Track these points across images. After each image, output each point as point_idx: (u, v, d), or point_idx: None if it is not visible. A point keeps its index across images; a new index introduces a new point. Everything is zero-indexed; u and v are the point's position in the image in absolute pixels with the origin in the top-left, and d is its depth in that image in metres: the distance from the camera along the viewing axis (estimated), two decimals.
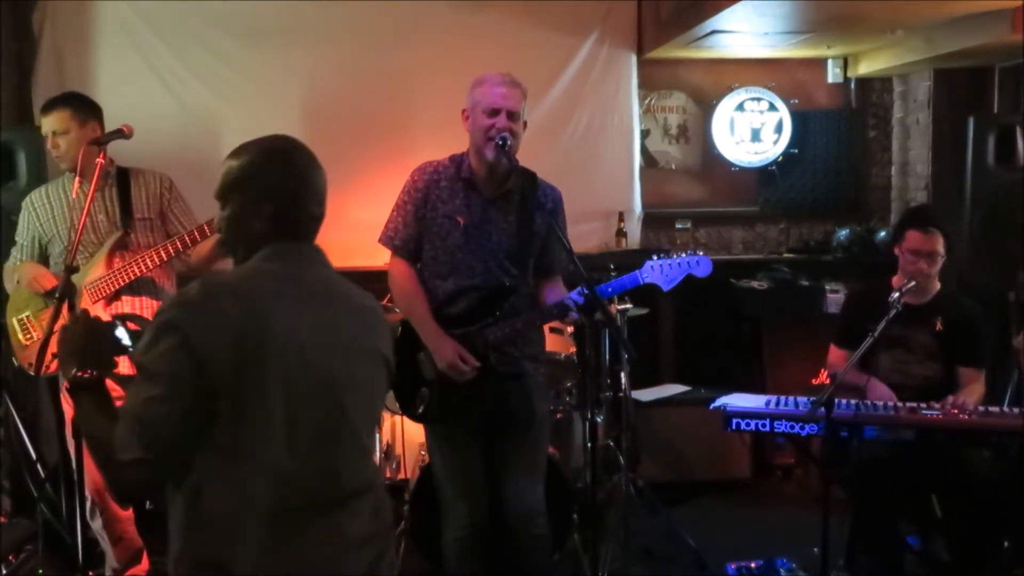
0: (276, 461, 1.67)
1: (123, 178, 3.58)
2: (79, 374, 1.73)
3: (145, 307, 3.51)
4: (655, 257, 3.05)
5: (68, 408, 3.49)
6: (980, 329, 3.54)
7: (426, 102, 4.84)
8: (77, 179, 3.35)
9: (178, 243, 3.42)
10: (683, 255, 3.05)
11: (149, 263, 3.43)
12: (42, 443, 4.18)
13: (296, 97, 4.86)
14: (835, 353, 3.63)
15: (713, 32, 4.41)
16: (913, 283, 3.33)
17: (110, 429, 1.63)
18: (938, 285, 3.54)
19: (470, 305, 2.97)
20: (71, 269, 3.09)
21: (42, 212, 3.51)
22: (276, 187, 1.83)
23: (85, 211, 3.16)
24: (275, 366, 1.68)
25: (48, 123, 3.46)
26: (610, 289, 3.03)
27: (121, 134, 3.32)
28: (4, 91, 4.32)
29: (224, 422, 1.64)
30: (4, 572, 3.55)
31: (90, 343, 1.80)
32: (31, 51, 4.55)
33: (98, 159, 3.21)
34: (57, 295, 3.14)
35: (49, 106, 3.50)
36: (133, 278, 3.43)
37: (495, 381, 2.97)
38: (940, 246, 3.45)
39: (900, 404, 3.29)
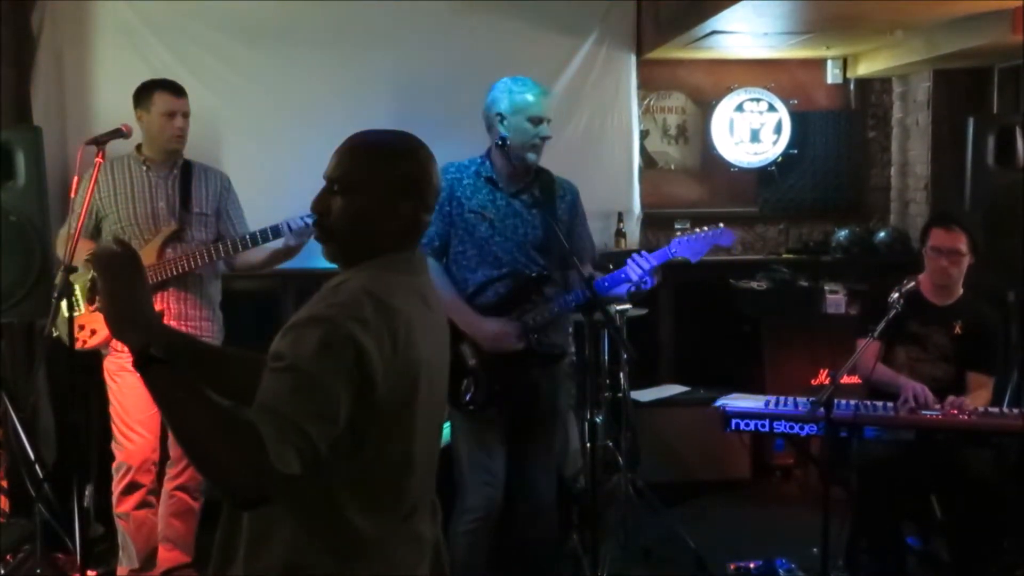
0: (407, 483, 1.66)
1: (186, 170, 3.65)
2: (143, 347, 1.52)
3: (188, 302, 3.58)
4: (681, 233, 3.22)
5: (114, 384, 3.55)
6: (996, 337, 3.56)
7: (426, 102, 4.83)
8: (76, 178, 3.34)
9: (230, 246, 3.52)
10: (706, 229, 3.20)
11: (200, 260, 3.50)
12: (41, 443, 4.17)
13: (295, 98, 4.85)
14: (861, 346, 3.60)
15: (713, 33, 4.41)
16: (912, 284, 3.33)
17: (207, 414, 1.46)
18: (961, 289, 3.55)
19: (499, 294, 3.10)
20: (69, 269, 3.10)
21: (103, 186, 3.56)
22: (421, 190, 1.73)
23: (84, 209, 3.21)
24: (421, 393, 1.64)
25: (181, 105, 3.61)
26: (650, 263, 3.11)
27: (120, 134, 3.34)
28: (3, 91, 4.30)
29: (369, 446, 1.58)
30: (2, 572, 3.54)
31: (151, 312, 1.63)
32: (30, 51, 4.53)
33: (96, 158, 3.21)
34: (55, 295, 3.16)
35: (181, 90, 3.64)
36: (181, 272, 3.50)
37: (538, 362, 3.11)
38: (963, 245, 3.46)
39: (934, 400, 3.30)
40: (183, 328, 3.48)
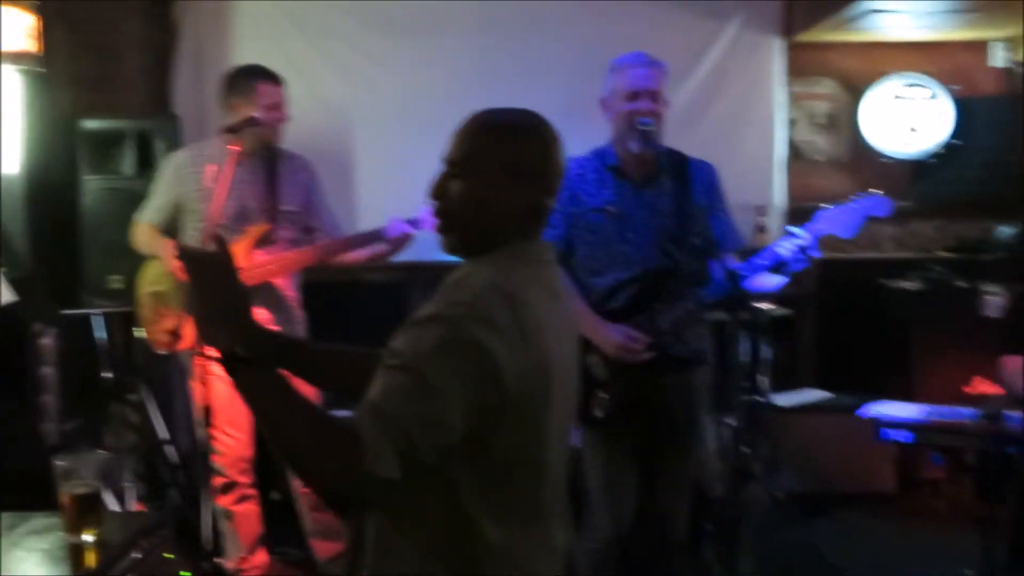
0: (539, 490, 1.55)
1: (275, 162, 3.51)
2: (233, 348, 1.44)
3: (273, 303, 3.43)
4: (825, 206, 2.84)
5: (201, 387, 3.53)
6: None
7: (560, 92, 4.70)
8: (211, 167, 3.34)
9: (324, 252, 3.38)
10: (858, 197, 2.81)
11: (291, 267, 3.37)
12: (176, 427, 4.26)
13: (432, 89, 4.80)
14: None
15: (871, 11, 4.12)
16: None
17: (298, 414, 1.39)
18: None
19: (631, 295, 2.85)
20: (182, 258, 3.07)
21: (191, 179, 3.44)
22: (545, 172, 1.60)
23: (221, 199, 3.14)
24: (553, 393, 1.52)
25: (284, 95, 3.46)
26: (802, 237, 2.78)
27: (254, 122, 3.31)
28: (145, 82, 4.42)
29: (498, 451, 1.47)
30: (137, 556, 3.62)
31: (244, 313, 1.52)
32: (172, 43, 4.63)
33: (231, 147, 3.21)
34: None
35: (281, 79, 3.48)
36: (269, 279, 3.38)
37: (673, 369, 2.84)
38: None
39: None
40: None
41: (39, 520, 1.75)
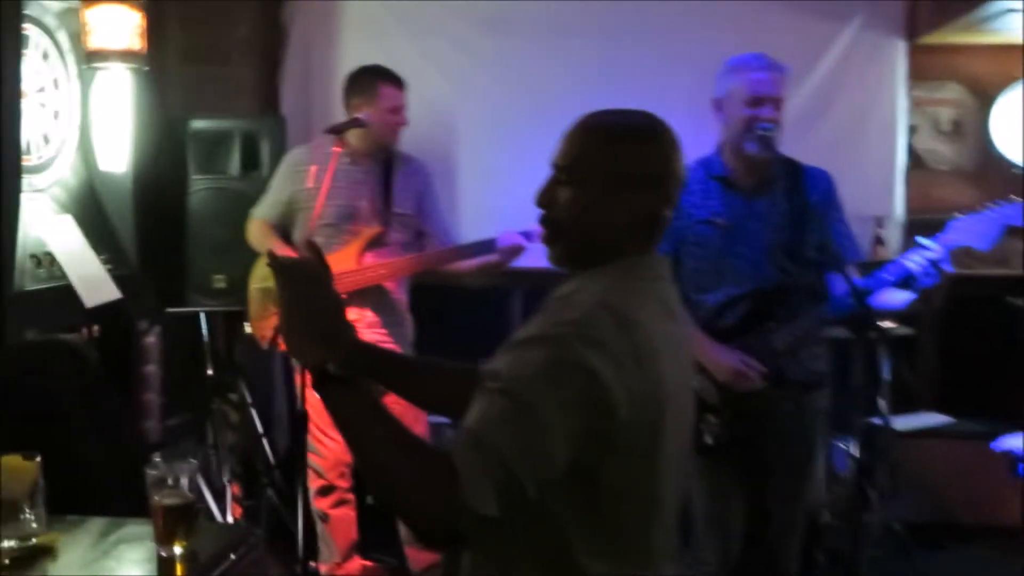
0: (652, 526, 1.43)
1: (390, 163, 3.47)
2: (326, 365, 1.35)
3: (381, 307, 3.39)
4: (958, 215, 2.63)
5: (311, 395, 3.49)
6: None
7: (668, 95, 4.54)
8: (314, 168, 3.32)
9: (434, 260, 3.34)
10: (993, 206, 2.59)
11: (400, 272, 3.33)
12: (275, 427, 4.28)
13: (539, 91, 4.71)
14: None
15: (1005, 12, 3.85)
16: None
17: (390, 439, 1.28)
18: None
19: (742, 313, 2.68)
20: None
21: (304, 177, 3.42)
22: (663, 180, 1.49)
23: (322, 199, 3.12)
24: (667, 421, 1.40)
25: (405, 98, 3.45)
26: (933, 250, 2.59)
27: (358, 123, 3.30)
28: (254, 83, 4.46)
29: (607, 484, 1.35)
30: (232, 557, 3.62)
31: (340, 324, 1.42)
32: (279, 44, 4.67)
33: (334, 148, 3.19)
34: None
35: (403, 82, 3.46)
36: (378, 283, 3.35)
37: (789, 394, 2.66)
38: None
39: None
40: (375, 335, 3.34)
41: (133, 527, 1.72)
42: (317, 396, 1.38)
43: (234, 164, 3.90)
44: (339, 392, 1.35)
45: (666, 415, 1.40)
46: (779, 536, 2.76)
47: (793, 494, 2.78)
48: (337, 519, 3.56)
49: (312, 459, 3.53)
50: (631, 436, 1.35)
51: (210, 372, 3.92)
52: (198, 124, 3.87)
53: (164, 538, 1.54)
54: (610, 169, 1.46)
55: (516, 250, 3.33)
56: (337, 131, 3.27)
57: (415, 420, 3.04)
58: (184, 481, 1.57)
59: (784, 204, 2.70)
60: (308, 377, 1.37)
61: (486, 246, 3.37)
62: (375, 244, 3.39)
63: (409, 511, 1.29)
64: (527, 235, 3.33)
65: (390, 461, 1.29)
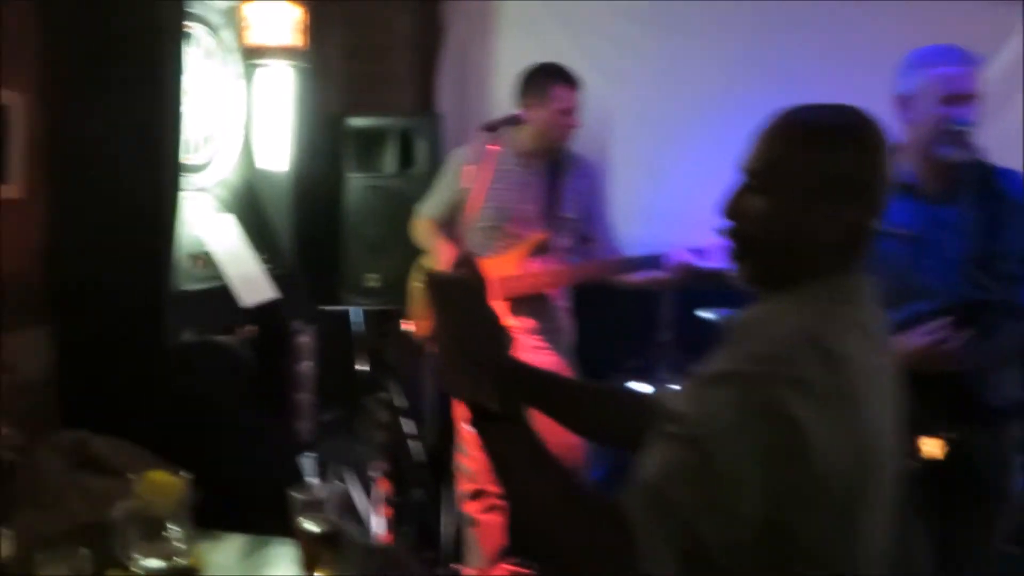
0: None
1: (559, 165, 3.39)
2: (482, 401, 1.22)
3: (542, 313, 3.33)
4: None
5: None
6: None
7: (842, 91, 4.24)
8: (469, 167, 3.25)
9: (599, 271, 3.26)
10: None
11: (563, 281, 3.23)
12: (425, 427, 4.25)
13: (701, 91, 4.52)
14: None
15: None
16: None
17: (555, 489, 1.16)
18: None
19: None
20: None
21: (466, 177, 3.37)
22: (869, 187, 1.33)
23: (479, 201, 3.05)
24: (875, 481, 1.23)
25: (578, 99, 3.37)
26: None
27: (515, 120, 3.24)
28: (412, 81, 4.46)
29: (802, 546, 1.19)
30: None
31: (496, 346, 1.28)
32: (437, 42, 4.65)
33: (490, 146, 3.12)
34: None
35: (578, 82, 3.39)
36: (542, 291, 3.26)
37: (981, 421, 2.44)
38: None
39: None
40: (533, 341, 3.25)
41: (277, 547, 1.66)
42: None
43: (390, 162, 3.89)
44: (499, 433, 1.24)
45: (872, 466, 1.23)
46: None
47: (983, 533, 2.55)
48: (486, 525, 3.50)
49: (462, 462, 3.48)
50: (831, 492, 1.18)
51: (361, 368, 3.92)
52: (355, 122, 3.89)
53: (309, 564, 1.48)
54: (810, 175, 1.30)
55: (687, 269, 3.16)
56: (492, 128, 3.21)
57: (571, 448, 2.91)
58: (331, 503, 1.49)
59: (976, 211, 2.47)
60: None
61: (653, 261, 3.23)
62: (541, 250, 3.32)
63: (571, 572, 1.16)
64: (699, 252, 3.15)
65: (554, 520, 1.16)
